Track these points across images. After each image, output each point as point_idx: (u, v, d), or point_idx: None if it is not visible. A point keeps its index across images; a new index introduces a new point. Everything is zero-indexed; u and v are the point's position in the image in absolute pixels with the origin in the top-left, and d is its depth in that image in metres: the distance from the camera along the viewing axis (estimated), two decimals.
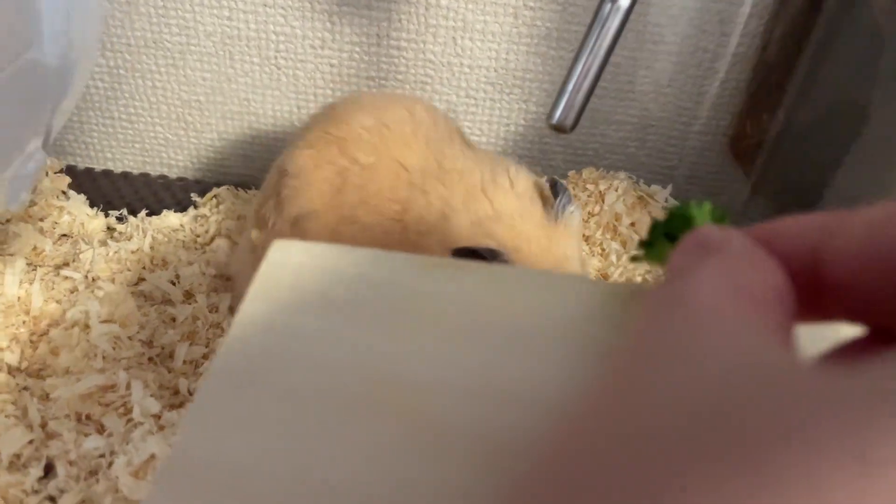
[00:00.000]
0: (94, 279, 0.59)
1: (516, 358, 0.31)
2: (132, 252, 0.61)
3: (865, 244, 0.15)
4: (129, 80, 0.73)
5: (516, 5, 0.67)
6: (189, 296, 0.59)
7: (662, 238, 0.30)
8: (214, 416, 0.26)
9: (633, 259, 0.34)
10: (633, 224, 0.67)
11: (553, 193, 0.49)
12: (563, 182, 0.57)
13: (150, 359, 0.55)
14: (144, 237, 0.62)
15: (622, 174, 0.74)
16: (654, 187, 0.71)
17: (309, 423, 0.26)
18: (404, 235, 0.50)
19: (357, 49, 0.70)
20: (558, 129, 0.45)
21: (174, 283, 0.60)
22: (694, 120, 0.72)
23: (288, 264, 0.35)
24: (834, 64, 0.56)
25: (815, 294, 0.16)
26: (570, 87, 0.44)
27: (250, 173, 0.78)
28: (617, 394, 0.14)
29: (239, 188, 0.72)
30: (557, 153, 0.75)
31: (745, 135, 0.68)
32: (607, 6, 0.42)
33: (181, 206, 0.71)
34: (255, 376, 0.31)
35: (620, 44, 0.68)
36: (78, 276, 0.59)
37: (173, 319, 0.57)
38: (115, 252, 0.61)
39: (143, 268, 0.61)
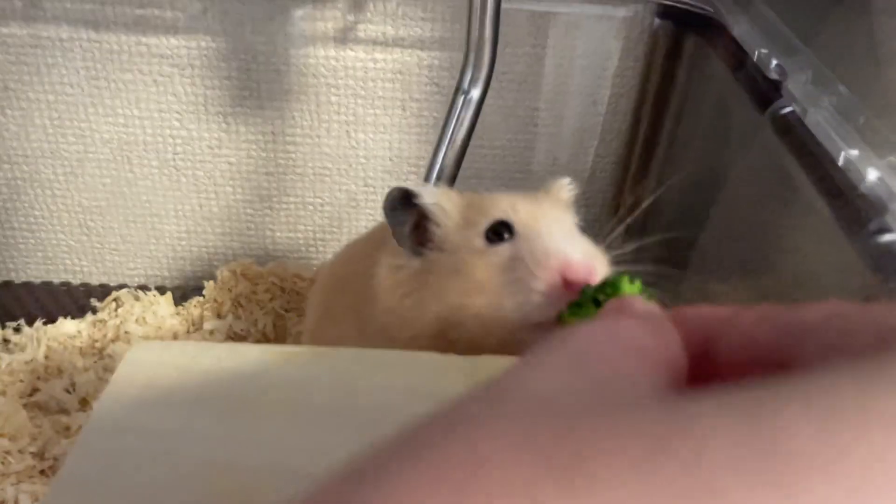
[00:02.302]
0: None
1: (355, 437, 0.32)
2: (26, 363, 0.60)
3: (748, 336, 0.18)
4: (27, 191, 0.73)
5: (403, 98, 0.70)
6: (85, 403, 0.59)
7: (590, 302, 0.32)
8: None
9: (560, 319, 0.35)
10: None
11: None
12: None
13: (42, 471, 0.53)
14: (39, 346, 0.61)
15: None
16: None
17: None
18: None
19: (254, 146, 0.72)
20: None
21: (69, 392, 0.59)
22: (581, 195, 0.76)
23: (145, 363, 0.36)
24: (690, 133, 0.61)
25: (709, 365, 0.19)
26: (434, 173, 0.46)
27: (156, 273, 0.78)
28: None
29: (140, 290, 0.72)
30: None
31: (626, 204, 0.72)
32: (460, 99, 0.45)
33: (83, 312, 0.70)
34: (104, 478, 0.31)
35: (503, 128, 0.72)
36: None
37: (67, 428, 0.56)
38: (8, 364, 0.60)
39: (38, 378, 0.60)
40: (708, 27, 0.59)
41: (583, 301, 0.30)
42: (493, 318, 0.34)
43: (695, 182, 0.60)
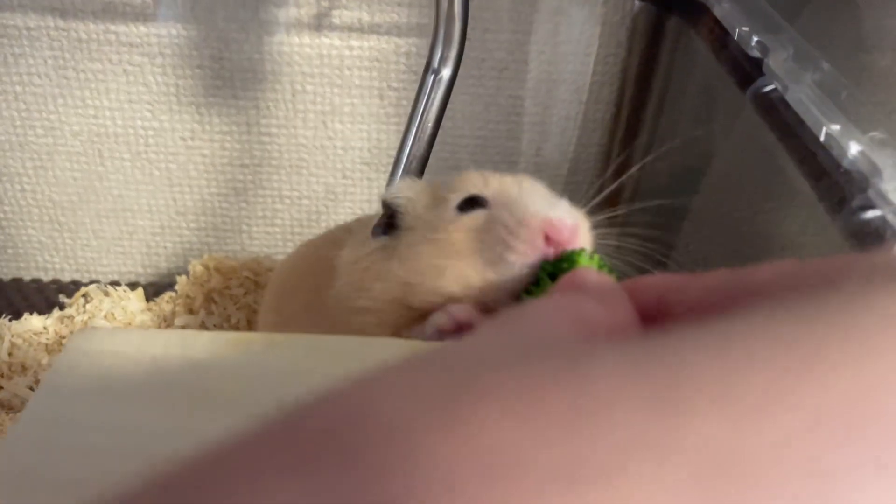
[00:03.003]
0: None
1: None
2: None
3: (700, 301, 0.18)
4: None
5: (380, 87, 0.68)
6: None
7: (546, 277, 0.31)
8: None
9: (518, 297, 0.34)
10: None
11: None
12: None
13: None
14: (2, 343, 0.59)
15: None
16: None
17: None
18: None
19: (228, 138, 0.70)
20: None
21: (33, 389, 0.57)
22: (565, 185, 0.74)
23: (87, 351, 0.34)
24: (673, 118, 0.59)
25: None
26: (404, 157, 0.45)
27: (130, 269, 0.76)
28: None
29: (111, 285, 0.70)
30: None
31: (609, 195, 0.70)
32: (430, 79, 0.44)
33: (52, 309, 0.68)
34: (35, 473, 0.29)
35: (484, 118, 0.71)
36: None
37: None
38: None
39: (1, 375, 0.58)
40: (689, 8, 0.57)
41: (540, 277, 0.29)
42: (465, 282, 0.32)
43: (679, 168, 0.58)
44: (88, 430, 0.29)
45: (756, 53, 0.46)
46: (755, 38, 0.46)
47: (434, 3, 0.43)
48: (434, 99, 0.44)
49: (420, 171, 0.45)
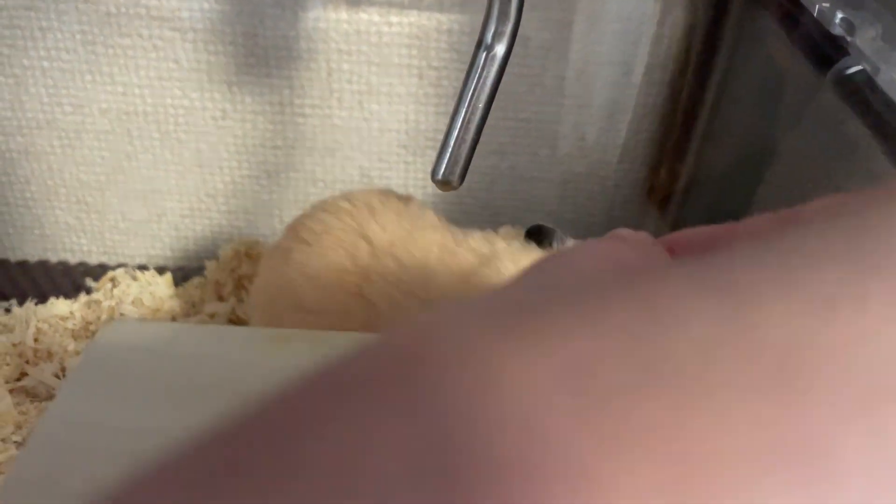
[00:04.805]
0: None
1: None
2: (13, 345, 0.56)
3: None
4: (23, 164, 0.69)
5: (420, 66, 0.65)
6: None
7: None
8: None
9: None
10: None
11: (538, 240, 0.47)
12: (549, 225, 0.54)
13: None
14: (27, 328, 0.57)
15: None
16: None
17: None
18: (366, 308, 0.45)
19: (260, 118, 0.67)
20: (444, 184, 0.42)
21: (59, 377, 0.55)
22: (612, 173, 0.71)
23: (117, 345, 0.31)
24: (734, 107, 0.55)
25: None
26: (451, 140, 0.42)
27: (157, 252, 0.74)
28: None
29: (138, 269, 0.68)
30: (475, 214, 0.73)
31: (661, 184, 0.67)
32: (482, 56, 0.40)
33: (80, 293, 0.66)
34: (59, 476, 0.26)
35: (528, 99, 0.67)
36: None
37: None
38: None
39: (26, 361, 0.56)
40: None
41: None
42: None
43: (741, 158, 0.54)
44: (116, 433, 0.27)
45: (840, 31, 0.42)
46: (840, 15, 0.42)
47: None
48: (486, 78, 0.40)
49: (468, 159, 0.42)
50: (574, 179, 0.71)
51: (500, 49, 0.40)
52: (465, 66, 0.65)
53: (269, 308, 0.48)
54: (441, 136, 0.69)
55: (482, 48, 0.40)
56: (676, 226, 0.65)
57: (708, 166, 0.58)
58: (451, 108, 0.67)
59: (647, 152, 0.68)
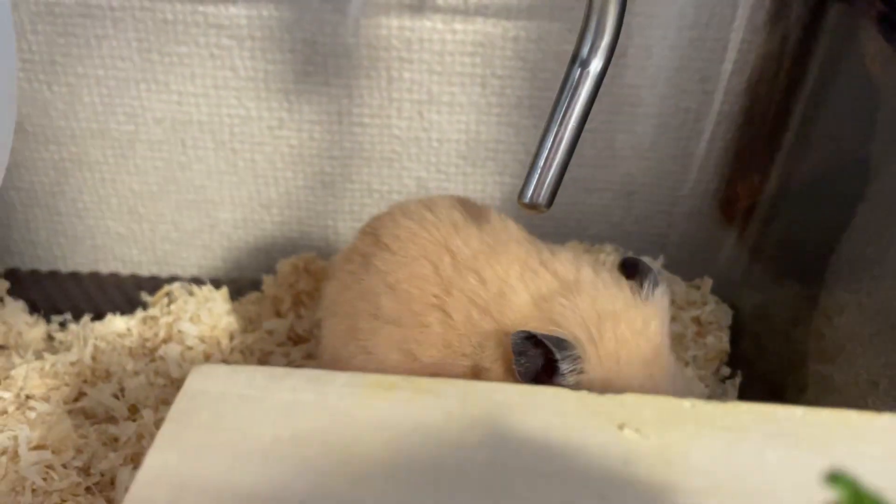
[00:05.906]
0: (26, 397, 0.53)
1: None
2: (71, 364, 0.55)
3: None
4: (75, 174, 0.68)
5: (483, 75, 0.63)
6: (134, 410, 0.53)
7: None
8: None
9: None
10: None
11: (627, 274, 0.43)
12: (645, 260, 0.49)
13: (88, 488, 0.48)
14: (85, 346, 0.56)
15: (608, 246, 0.69)
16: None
17: None
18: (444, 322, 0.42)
19: (317, 128, 0.65)
20: (531, 207, 0.40)
21: (118, 398, 0.53)
22: (681, 184, 0.68)
23: (207, 394, 0.29)
24: (828, 118, 0.52)
25: None
26: (541, 161, 0.39)
27: (209, 263, 0.72)
28: None
29: (193, 283, 0.66)
30: (538, 226, 0.70)
31: (736, 197, 0.64)
32: (576, 72, 0.38)
33: (132, 305, 0.65)
34: None
35: (596, 107, 0.64)
36: (8, 395, 0.52)
37: (115, 440, 0.51)
38: (52, 365, 0.54)
39: (84, 381, 0.54)
40: None
41: None
42: None
43: (834, 172, 0.51)
44: (217, 498, 0.25)
45: None
46: None
47: None
48: (580, 96, 0.38)
49: (557, 181, 0.39)
50: (639, 190, 0.69)
51: (595, 65, 0.37)
52: (531, 76, 0.63)
53: (345, 315, 0.46)
54: (503, 148, 0.67)
55: (577, 63, 0.37)
56: (753, 241, 0.62)
57: (795, 180, 0.55)
58: (514, 119, 0.65)
59: (722, 163, 0.65)
